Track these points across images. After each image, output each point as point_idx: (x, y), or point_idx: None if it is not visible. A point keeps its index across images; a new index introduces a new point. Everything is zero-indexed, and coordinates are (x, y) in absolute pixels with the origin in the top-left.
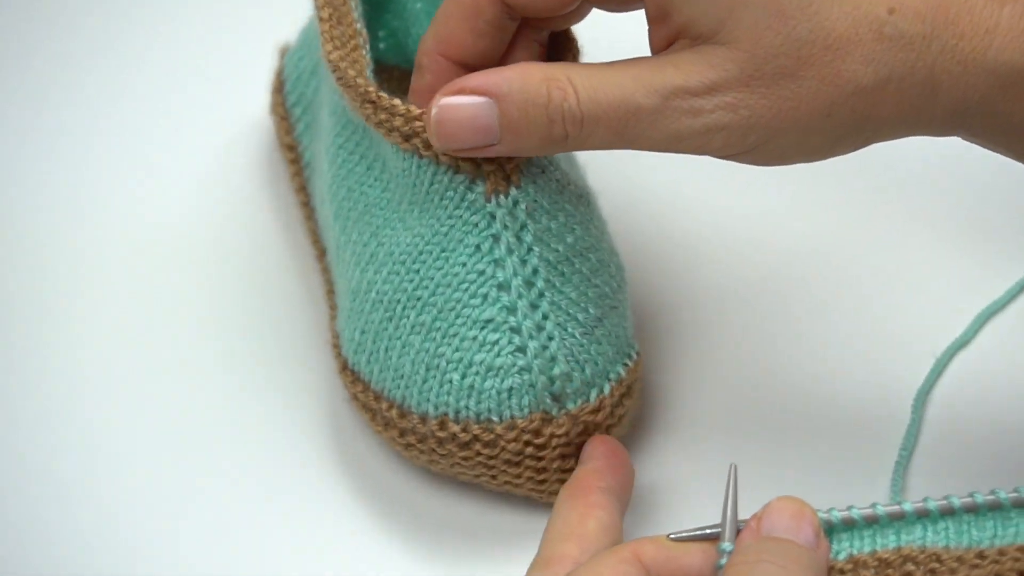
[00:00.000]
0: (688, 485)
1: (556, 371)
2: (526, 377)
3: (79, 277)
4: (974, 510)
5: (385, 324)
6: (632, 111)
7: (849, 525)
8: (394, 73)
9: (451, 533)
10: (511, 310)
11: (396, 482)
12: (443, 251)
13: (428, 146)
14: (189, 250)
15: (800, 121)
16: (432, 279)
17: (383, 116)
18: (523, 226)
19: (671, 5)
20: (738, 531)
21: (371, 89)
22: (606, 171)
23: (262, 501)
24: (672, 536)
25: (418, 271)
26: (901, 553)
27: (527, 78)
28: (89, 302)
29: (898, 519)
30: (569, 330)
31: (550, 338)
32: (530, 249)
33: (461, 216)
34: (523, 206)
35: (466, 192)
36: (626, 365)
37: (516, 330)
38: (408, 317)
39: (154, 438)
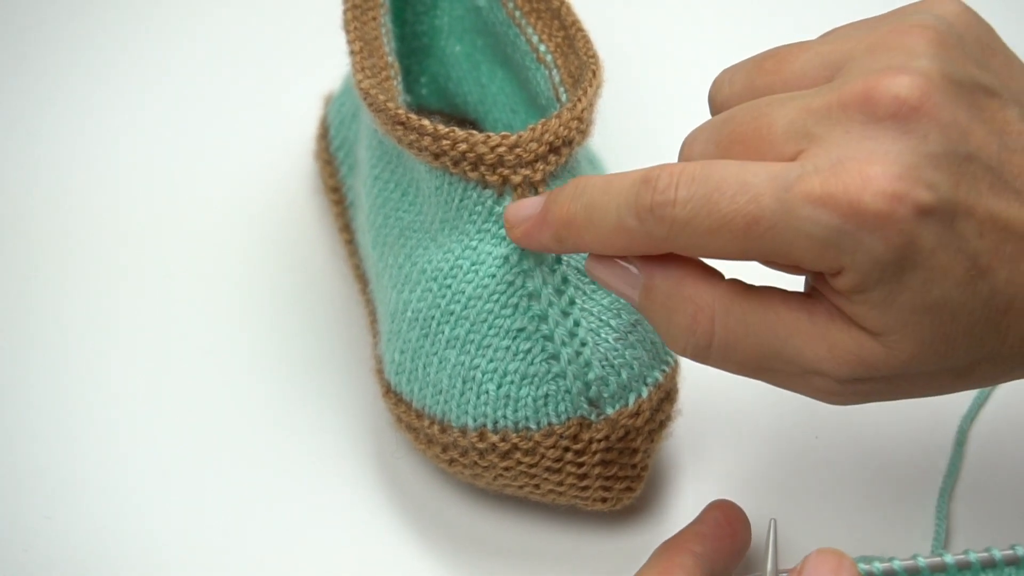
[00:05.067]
0: (727, 495)
1: (591, 376)
2: (561, 383)
3: (137, 316)
4: (1016, 563)
5: (422, 341)
6: (762, 371)
7: None
8: (437, 118)
9: (498, 553)
10: (542, 318)
11: (442, 502)
12: (473, 264)
13: (456, 163)
14: (239, 288)
15: (934, 392)
16: (464, 292)
17: (413, 136)
18: None
19: (845, 292)
20: None
21: (400, 111)
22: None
23: (308, 523)
24: None
25: (450, 286)
26: None
27: (679, 290)
28: (141, 333)
29: (939, 571)
30: (602, 335)
31: (583, 344)
32: (559, 258)
33: (489, 230)
34: None
35: (494, 206)
36: (664, 371)
37: (548, 337)
38: (443, 332)
39: (201, 465)
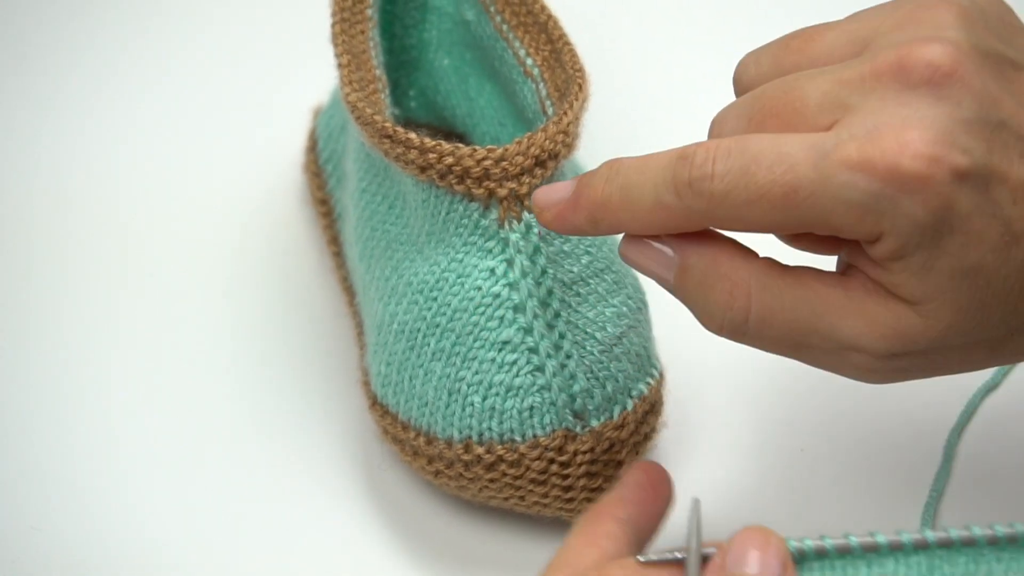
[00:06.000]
0: (712, 507)
1: (576, 388)
2: (546, 395)
3: (125, 329)
4: (948, 545)
5: (408, 353)
6: (799, 349)
7: (821, 555)
8: (425, 131)
9: (484, 565)
10: (528, 331)
11: (428, 514)
12: (459, 277)
13: (443, 176)
14: (226, 299)
15: (968, 368)
16: (449, 305)
17: (399, 150)
18: (536, 249)
19: (885, 260)
20: (706, 560)
21: (387, 124)
22: None
23: (295, 536)
24: (640, 559)
25: (436, 298)
26: None
27: (714, 267)
28: (129, 346)
29: (872, 551)
30: (588, 348)
31: (568, 356)
32: (544, 271)
33: (475, 243)
34: (536, 230)
35: (480, 219)
36: (649, 383)
37: (534, 350)
38: (429, 344)
39: (188, 477)
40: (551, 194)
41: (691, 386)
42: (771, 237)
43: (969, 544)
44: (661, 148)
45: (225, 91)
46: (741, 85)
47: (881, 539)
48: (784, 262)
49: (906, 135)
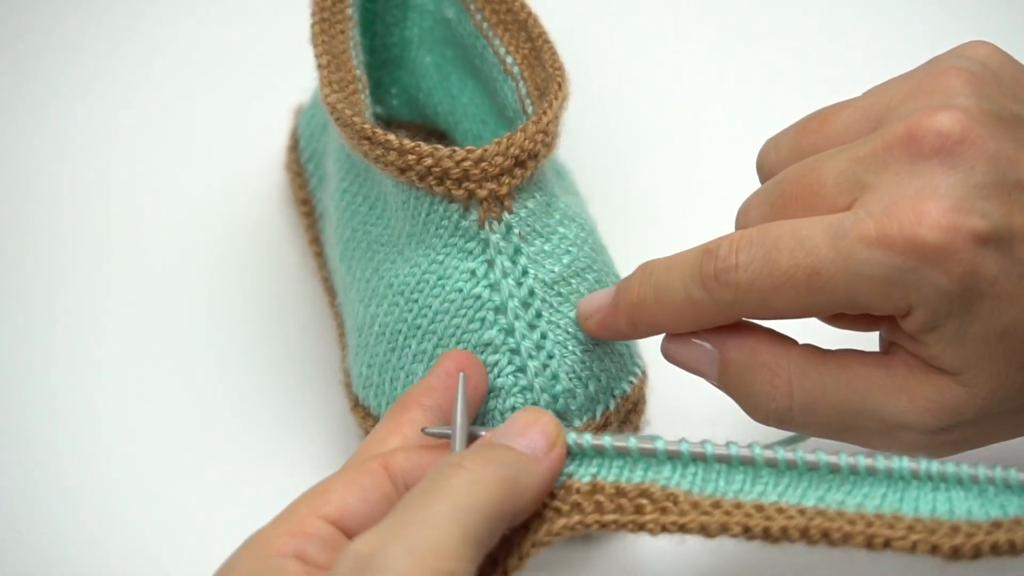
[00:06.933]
0: None
1: (558, 388)
2: (528, 396)
3: (105, 326)
4: (727, 461)
5: (389, 355)
6: (846, 431)
7: (599, 452)
8: (407, 129)
9: None
10: (509, 332)
11: None
12: (440, 279)
13: (422, 178)
14: (208, 300)
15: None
16: (430, 307)
17: (379, 151)
18: (517, 250)
19: (918, 332)
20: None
21: (367, 126)
22: (603, 192)
23: None
24: (424, 430)
25: (416, 300)
26: (640, 487)
27: (754, 358)
28: (110, 343)
29: (649, 456)
30: (569, 348)
31: (550, 356)
32: (525, 271)
33: (456, 244)
34: (516, 231)
35: (460, 220)
36: (631, 382)
37: (515, 351)
38: (410, 347)
39: (169, 480)
40: (593, 302)
41: (674, 384)
42: (815, 320)
43: (748, 462)
44: (640, 146)
45: (207, 90)
46: (763, 171)
47: (660, 445)
48: (828, 345)
49: (922, 206)
